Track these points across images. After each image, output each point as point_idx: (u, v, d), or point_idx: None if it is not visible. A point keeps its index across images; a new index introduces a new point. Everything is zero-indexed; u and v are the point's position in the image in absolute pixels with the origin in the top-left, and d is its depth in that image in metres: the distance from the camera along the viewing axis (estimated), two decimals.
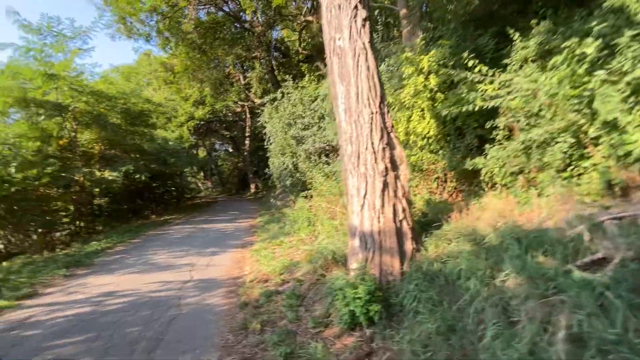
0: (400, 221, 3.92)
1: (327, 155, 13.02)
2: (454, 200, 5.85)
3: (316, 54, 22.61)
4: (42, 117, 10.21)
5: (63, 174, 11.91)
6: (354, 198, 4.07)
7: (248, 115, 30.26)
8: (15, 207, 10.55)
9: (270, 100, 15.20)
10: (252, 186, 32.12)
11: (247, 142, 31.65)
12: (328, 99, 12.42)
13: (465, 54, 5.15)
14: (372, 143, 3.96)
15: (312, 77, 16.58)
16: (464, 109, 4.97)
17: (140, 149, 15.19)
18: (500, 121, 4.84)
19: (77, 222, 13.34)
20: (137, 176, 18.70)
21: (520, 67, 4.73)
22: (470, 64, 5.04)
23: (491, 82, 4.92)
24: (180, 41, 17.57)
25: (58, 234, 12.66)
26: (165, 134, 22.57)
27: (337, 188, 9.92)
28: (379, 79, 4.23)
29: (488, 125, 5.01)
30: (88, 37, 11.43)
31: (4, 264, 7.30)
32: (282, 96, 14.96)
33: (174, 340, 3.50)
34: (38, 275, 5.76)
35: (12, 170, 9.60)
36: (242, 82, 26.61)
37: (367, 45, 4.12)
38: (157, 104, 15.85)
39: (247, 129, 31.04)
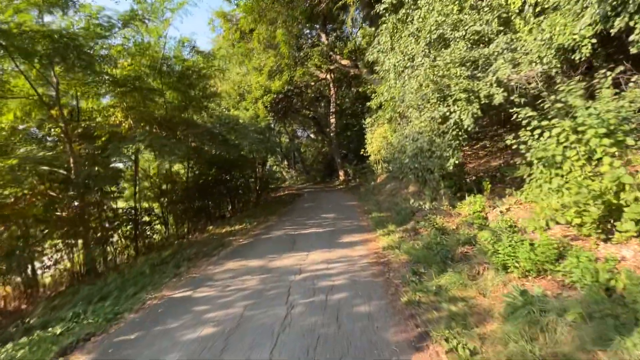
0: None
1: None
2: None
3: None
4: None
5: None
6: None
7: (332, 89, 23.17)
8: None
9: (389, 7, 7.51)
10: (341, 173, 25.21)
11: (332, 120, 24.66)
12: None
13: None
14: None
15: None
16: None
17: (189, 124, 9.25)
18: None
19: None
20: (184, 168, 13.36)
21: None
22: None
23: None
24: None
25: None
26: (237, 113, 16.99)
27: None
28: None
29: None
30: None
31: None
32: None
33: None
34: None
35: None
36: (326, 40, 19.42)
37: None
38: (208, 54, 9.84)
39: (332, 104, 23.99)
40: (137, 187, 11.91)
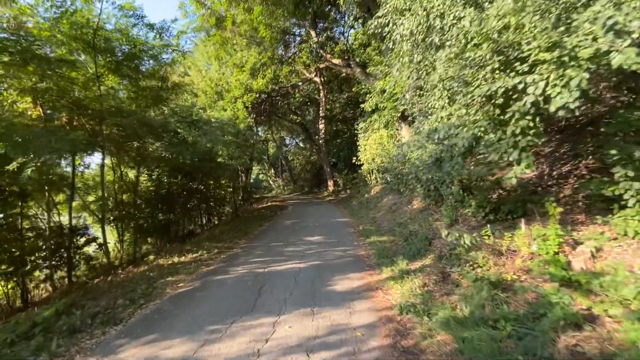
0: None
1: None
2: None
3: None
4: None
5: None
6: None
7: (322, 91, 21.03)
8: None
9: None
10: (330, 183, 22.94)
11: (321, 126, 22.48)
12: None
13: None
14: None
15: None
16: None
17: (118, 114, 6.72)
18: None
19: None
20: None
21: None
22: None
23: None
24: None
25: None
26: (212, 113, 14.55)
27: None
28: None
29: None
30: None
31: None
32: None
33: None
34: None
35: None
36: (315, 38, 17.34)
37: None
38: (162, 28, 7.44)
39: (322, 109, 21.83)
40: (73, 199, 9.23)
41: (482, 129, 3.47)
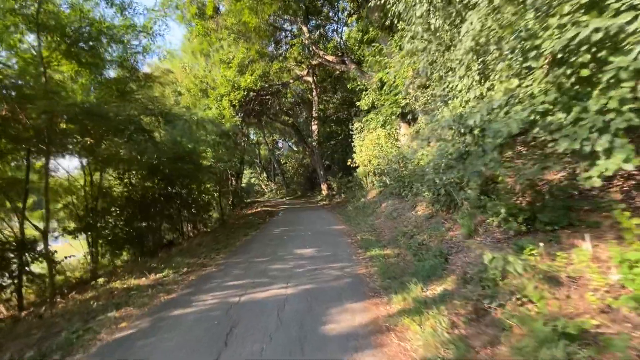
0: None
1: None
2: None
3: None
4: None
5: None
6: None
7: (315, 90, 19.92)
8: None
9: None
10: (324, 187, 21.75)
11: (314, 127, 21.36)
12: None
13: None
14: None
15: None
16: None
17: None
18: None
19: None
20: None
21: None
22: None
23: None
24: None
25: None
26: (195, 111, 13.28)
27: None
28: None
29: None
30: None
31: None
32: None
33: None
34: None
35: None
36: (307, 34, 16.27)
37: None
38: (124, 3, 6.23)
39: (315, 109, 20.72)
40: (25, 207, 7.86)
41: (547, 105, 2.33)
